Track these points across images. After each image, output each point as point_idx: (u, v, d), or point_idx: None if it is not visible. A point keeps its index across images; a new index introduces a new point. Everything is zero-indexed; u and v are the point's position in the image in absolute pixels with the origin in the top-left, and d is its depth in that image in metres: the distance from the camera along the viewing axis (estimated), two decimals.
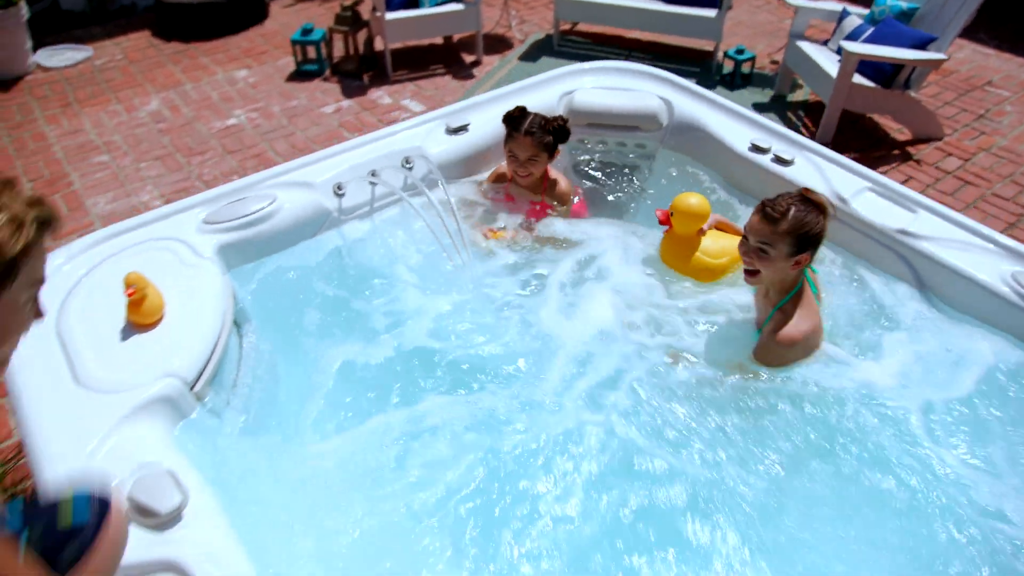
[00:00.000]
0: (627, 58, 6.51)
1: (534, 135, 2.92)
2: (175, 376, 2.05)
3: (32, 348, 2.10)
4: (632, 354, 2.48)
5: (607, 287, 2.71)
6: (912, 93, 5.38)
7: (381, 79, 6.24)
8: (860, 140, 5.54)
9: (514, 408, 2.31)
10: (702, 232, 2.79)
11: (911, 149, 5.50)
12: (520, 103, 3.22)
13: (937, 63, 5.13)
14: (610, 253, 2.85)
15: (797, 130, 5.65)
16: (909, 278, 2.69)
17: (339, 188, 2.85)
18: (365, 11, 6.44)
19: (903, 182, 5.10)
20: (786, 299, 2.39)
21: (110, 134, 5.59)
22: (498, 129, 3.13)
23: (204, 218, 2.61)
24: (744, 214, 3.11)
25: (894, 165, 5.29)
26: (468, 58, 6.57)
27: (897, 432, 2.27)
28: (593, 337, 2.54)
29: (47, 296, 2.19)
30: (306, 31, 6.19)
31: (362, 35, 6.38)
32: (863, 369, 2.43)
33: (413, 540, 1.94)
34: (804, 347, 2.38)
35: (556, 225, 2.97)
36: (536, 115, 2.97)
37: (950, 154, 5.47)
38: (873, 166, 5.20)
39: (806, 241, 2.28)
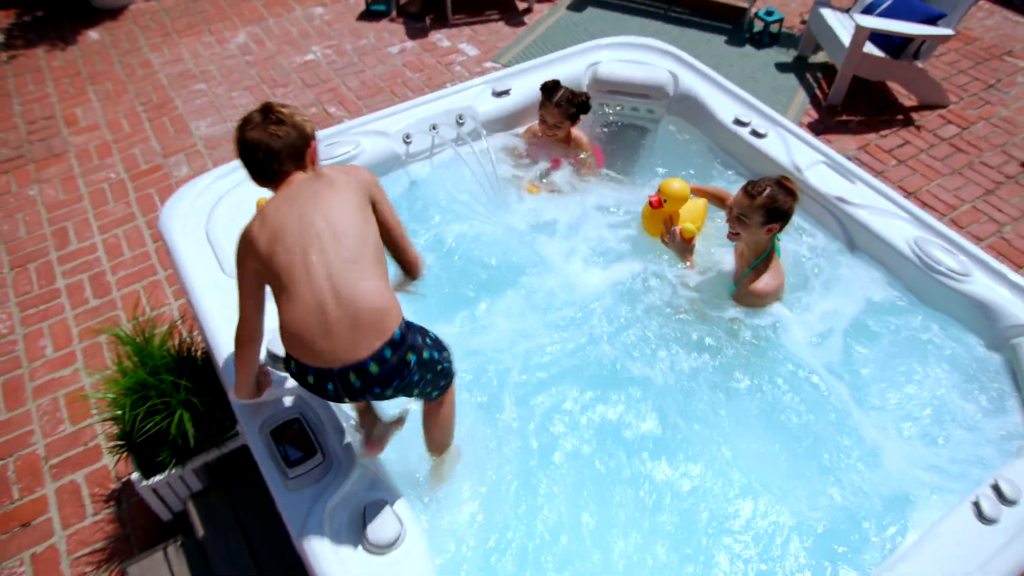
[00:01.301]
0: (665, 12, 7.08)
1: (561, 107, 3.71)
2: None
3: (192, 246, 3.03)
4: (625, 283, 3.36)
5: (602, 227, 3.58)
6: (920, 64, 5.90)
7: (441, 22, 6.94)
8: (869, 104, 6.10)
9: (518, 300, 3.25)
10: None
11: (915, 115, 6.05)
12: (554, 74, 3.98)
13: (943, 39, 5.64)
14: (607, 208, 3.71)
15: (812, 90, 6.24)
16: (842, 236, 3.45)
17: (407, 137, 3.70)
18: None
19: (900, 146, 5.72)
20: (758, 261, 3.16)
21: (205, 64, 6.45)
22: (534, 94, 3.92)
23: None
24: (727, 175, 3.87)
25: (895, 129, 5.87)
26: (521, 5, 7.20)
27: (818, 359, 3.10)
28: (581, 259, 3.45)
29: (198, 209, 3.13)
30: None
31: None
32: (794, 310, 3.23)
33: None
34: (773, 297, 3.18)
35: (574, 177, 3.83)
36: (566, 89, 3.74)
37: (951, 122, 6.01)
38: (876, 129, 5.85)
39: (776, 214, 3.02)
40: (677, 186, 3.39)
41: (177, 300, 4.45)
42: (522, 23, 6.96)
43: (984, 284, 3.08)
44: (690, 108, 4.06)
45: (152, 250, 4.76)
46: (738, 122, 3.82)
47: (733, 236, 3.19)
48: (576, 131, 3.92)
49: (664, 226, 3.39)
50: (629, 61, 4.17)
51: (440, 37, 6.76)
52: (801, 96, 6.17)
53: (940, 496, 2.67)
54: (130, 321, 4.26)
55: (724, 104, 3.94)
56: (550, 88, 3.73)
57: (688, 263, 3.36)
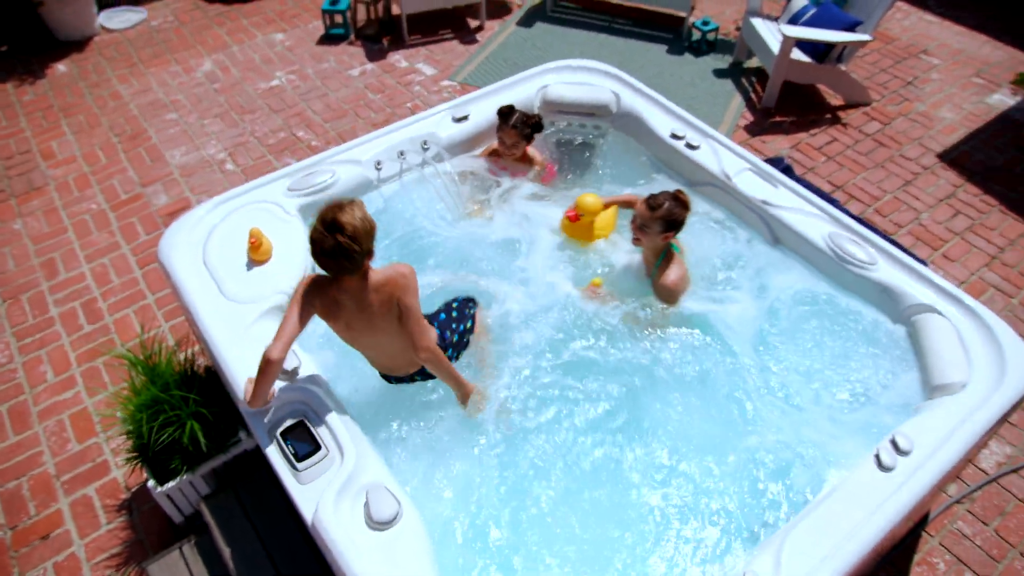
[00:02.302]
0: (609, 24, 7.53)
1: (517, 128, 4.14)
2: (283, 292, 3.35)
3: (192, 274, 3.39)
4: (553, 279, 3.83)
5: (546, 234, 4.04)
6: (843, 66, 6.43)
7: (398, 43, 7.31)
8: (799, 105, 6.62)
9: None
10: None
11: (841, 114, 6.58)
12: (507, 99, 4.40)
13: (861, 44, 6.18)
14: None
15: (747, 94, 6.74)
16: (767, 234, 3.92)
17: (378, 164, 4.09)
18: None
19: (828, 143, 6.24)
20: (660, 260, 3.65)
21: (174, 93, 6.74)
22: (491, 118, 4.33)
23: (288, 186, 3.86)
24: (666, 184, 4.32)
25: (823, 128, 6.40)
26: (473, 23, 7.60)
27: (747, 342, 3.57)
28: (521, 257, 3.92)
29: (194, 238, 3.48)
30: (334, 1, 7.22)
31: (382, 4, 7.41)
32: (726, 299, 3.70)
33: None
34: (681, 286, 3.65)
35: (526, 188, 4.26)
36: (521, 112, 4.17)
37: (874, 119, 6.55)
38: (806, 128, 6.36)
39: (672, 224, 3.52)
40: (590, 201, 3.88)
41: (168, 321, 4.77)
42: (475, 40, 7.36)
43: (887, 271, 3.57)
44: (632, 124, 4.51)
45: (139, 276, 5.07)
46: (674, 136, 4.28)
47: (636, 242, 3.69)
48: (531, 149, 4.34)
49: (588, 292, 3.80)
50: (575, 83, 4.61)
51: (398, 58, 7.13)
52: (738, 100, 6.66)
53: (852, 449, 3.14)
54: (125, 344, 4.58)
55: (661, 120, 4.39)
56: (506, 112, 4.15)
57: (610, 298, 3.77)
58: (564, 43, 7.25)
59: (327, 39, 7.39)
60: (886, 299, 3.54)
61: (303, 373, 3.05)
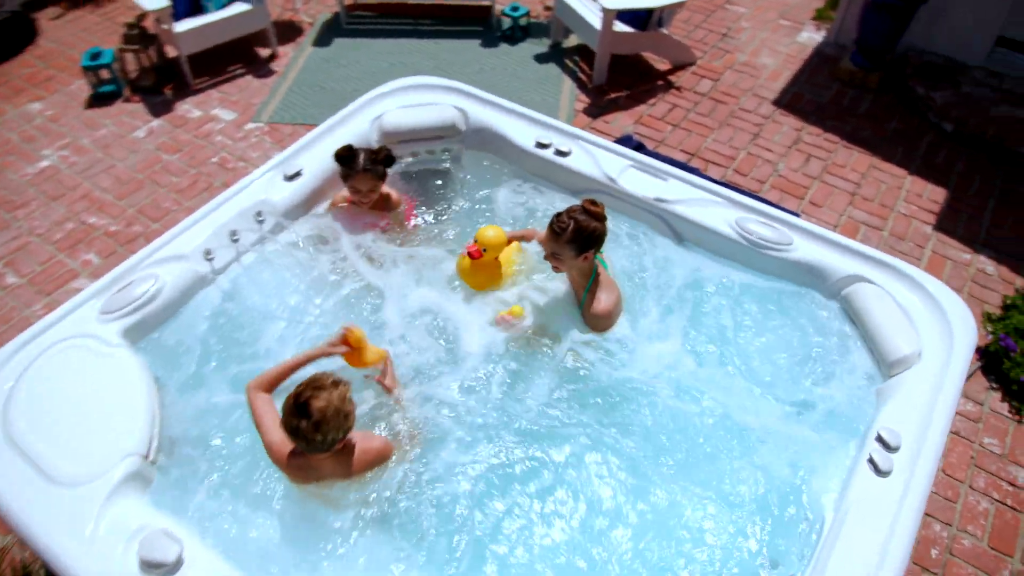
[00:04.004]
0: (415, 27, 6.97)
1: (369, 170, 3.49)
2: (132, 454, 2.57)
3: None
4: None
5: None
6: (665, 30, 6.26)
7: (183, 90, 6.35)
8: (629, 77, 6.39)
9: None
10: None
11: (672, 77, 6.43)
12: (338, 140, 3.75)
13: (680, 5, 6.01)
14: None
15: (575, 75, 6.43)
16: (669, 233, 3.56)
17: (208, 253, 3.31)
18: (151, 23, 6.44)
19: (669, 111, 6.05)
20: (589, 283, 3.18)
21: None
22: (329, 167, 3.66)
23: (101, 308, 3.01)
24: (544, 198, 3.86)
25: (660, 96, 6.21)
26: (263, 52, 6.76)
27: (683, 359, 3.19)
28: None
29: None
30: (94, 56, 6.15)
31: (153, 49, 6.41)
32: (648, 314, 3.30)
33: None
34: (615, 313, 3.20)
35: (393, 236, 3.64)
36: (364, 151, 3.52)
37: (704, 77, 6.45)
38: (644, 100, 6.13)
39: (587, 242, 3.03)
40: (492, 234, 3.30)
41: None
42: (271, 72, 6.55)
43: (806, 248, 3.32)
44: (488, 139, 4.00)
45: None
46: (540, 145, 3.82)
47: (556, 270, 3.23)
48: (385, 189, 3.73)
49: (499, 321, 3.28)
50: (413, 106, 4.03)
51: (188, 107, 6.19)
52: (568, 83, 6.34)
53: (832, 453, 2.85)
54: None
55: (520, 129, 3.92)
56: (347, 155, 3.50)
57: (530, 331, 3.28)
58: (371, 55, 6.61)
59: (97, 100, 6.29)
60: (812, 277, 3.28)
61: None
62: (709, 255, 3.48)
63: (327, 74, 6.42)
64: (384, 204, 3.73)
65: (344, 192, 3.69)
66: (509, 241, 3.43)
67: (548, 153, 3.78)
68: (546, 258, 3.16)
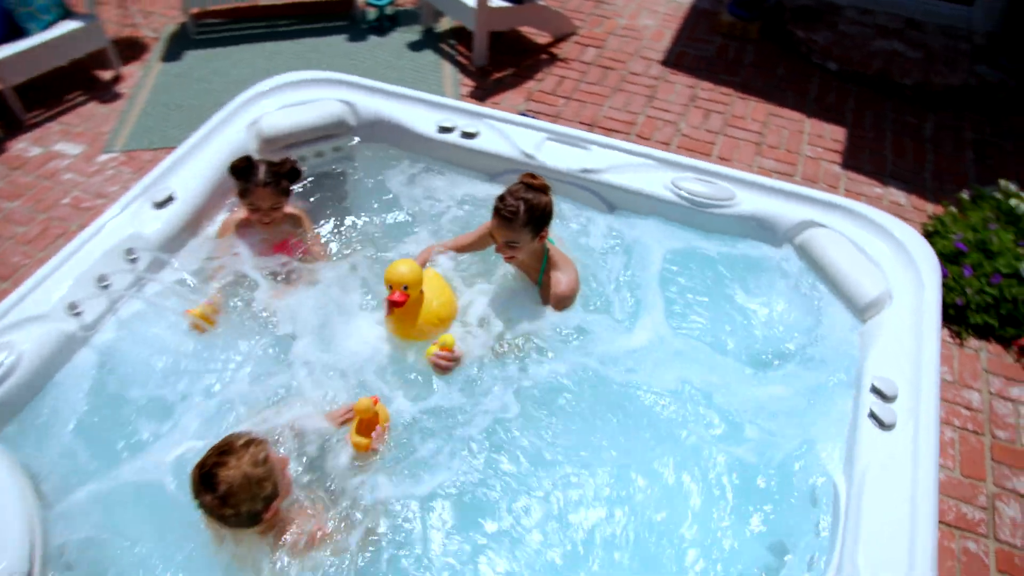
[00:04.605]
0: (272, 29, 6.40)
1: (271, 184, 3.00)
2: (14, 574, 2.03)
3: None
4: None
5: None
6: (541, 2, 5.96)
7: (16, 127, 5.54)
8: (511, 54, 6.07)
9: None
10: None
11: (555, 50, 6.16)
12: (212, 152, 3.24)
13: None
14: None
15: (454, 59, 6.06)
16: (601, 205, 3.25)
17: (73, 308, 2.73)
18: None
19: (559, 84, 5.77)
20: (544, 264, 2.87)
21: None
22: (209, 185, 3.15)
23: None
24: (462, 186, 3.46)
25: (546, 70, 5.92)
26: (105, 75, 6.02)
27: (644, 334, 2.88)
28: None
29: None
30: None
31: None
32: (599, 296, 2.98)
33: None
34: (577, 288, 2.90)
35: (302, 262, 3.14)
36: (264, 163, 3.03)
37: (587, 45, 6.22)
38: (531, 76, 5.83)
39: (541, 220, 2.72)
40: (406, 269, 2.75)
41: None
42: (117, 95, 5.83)
43: (750, 200, 3.10)
44: (383, 131, 3.58)
45: None
46: (443, 129, 3.43)
47: (510, 260, 2.89)
48: (289, 207, 3.24)
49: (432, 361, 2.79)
50: (294, 105, 3.55)
51: (25, 145, 5.40)
52: (448, 69, 5.96)
53: (827, 415, 2.62)
54: None
55: (419, 115, 3.51)
56: (244, 167, 3.00)
57: (494, 344, 2.89)
58: (230, 65, 6.01)
59: None
60: (762, 230, 3.06)
61: None
62: (649, 222, 3.21)
63: (183, 91, 5.78)
64: (289, 223, 3.23)
65: (239, 213, 3.18)
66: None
67: (454, 137, 3.40)
68: (499, 250, 2.81)
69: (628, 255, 3.14)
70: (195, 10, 6.44)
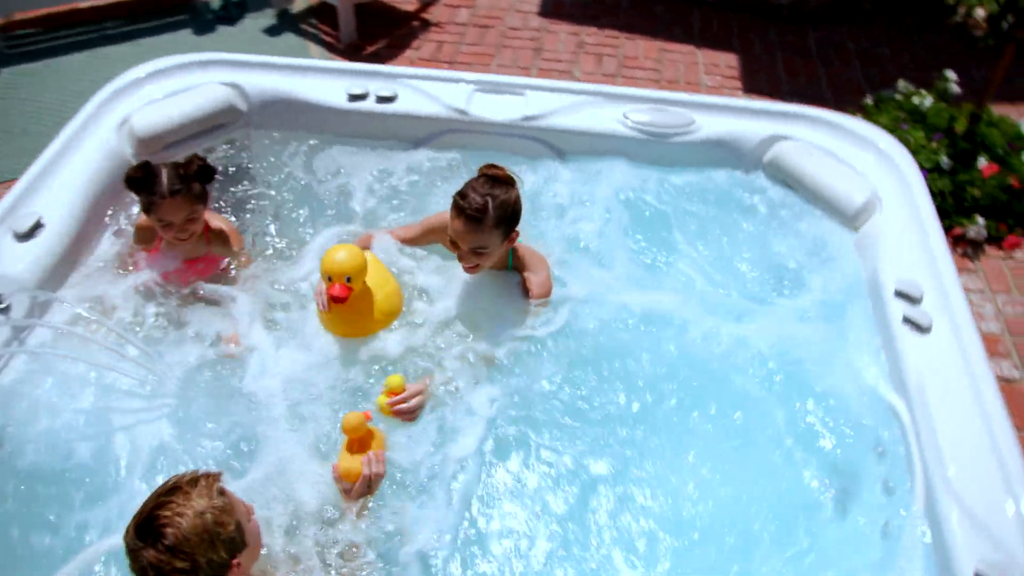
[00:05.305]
0: (101, 33, 5.61)
1: (182, 192, 2.43)
2: None
3: None
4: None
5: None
6: None
7: None
8: (381, 26, 5.61)
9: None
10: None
11: (425, 15, 5.75)
12: (78, 161, 2.66)
13: None
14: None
15: (319, 39, 5.52)
16: (550, 153, 2.93)
17: None
18: None
19: (438, 50, 5.38)
20: (510, 262, 2.47)
21: None
22: (82, 199, 2.58)
23: None
24: (374, 165, 3.02)
25: (423, 37, 5.51)
26: None
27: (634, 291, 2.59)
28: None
29: None
30: None
31: None
32: (571, 263, 2.64)
33: None
34: (551, 288, 2.48)
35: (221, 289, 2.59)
36: (168, 167, 2.46)
37: (457, 6, 5.85)
38: (406, 46, 5.42)
39: (513, 219, 2.30)
40: (344, 255, 2.24)
41: None
42: None
43: (710, 124, 2.87)
44: (282, 111, 3.08)
45: None
46: (354, 97, 2.97)
47: (473, 270, 2.39)
48: (210, 216, 2.69)
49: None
50: (168, 97, 2.98)
51: None
52: (315, 50, 5.44)
53: (844, 324, 2.44)
54: None
55: (323, 86, 3.04)
56: (142, 177, 2.42)
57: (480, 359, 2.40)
58: (61, 79, 5.19)
59: None
60: (728, 153, 2.84)
61: None
62: (606, 162, 2.90)
63: (6, 115, 4.93)
64: (215, 239, 2.68)
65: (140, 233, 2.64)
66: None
67: (368, 104, 2.96)
68: (462, 257, 2.34)
69: (589, 204, 2.83)
70: (0, 20, 5.54)
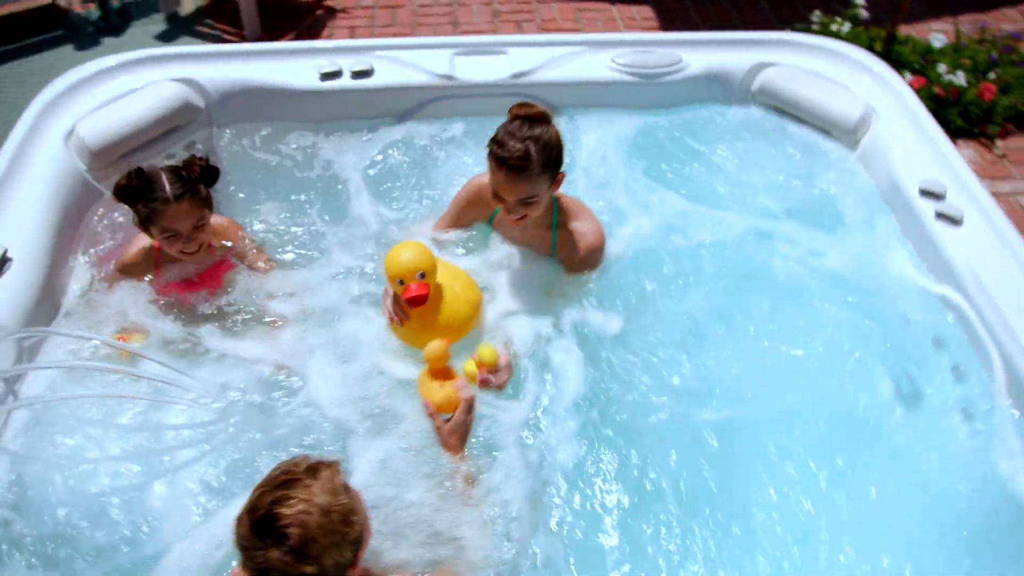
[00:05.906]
0: None
1: (187, 195, 2.14)
2: None
3: None
4: None
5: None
6: None
7: None
8: (284, 18, 5.32)
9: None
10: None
11: (328, 3, 5.49)
12: (24, 182, 2.35)
13: None
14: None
15: (220, 39, 5.17)
16: (548, 108, 2.81)
17: None
18: None
19: (352, 35, 5.13)
20: (555, 215, 2.30)
21: None
22: (45, 224, 2.27)
23: None
24: (360, 149, 2.82)
25: (331, 24, 5.26)
26: None
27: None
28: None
29: None
30: None
31: None
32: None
33: None
34: (603, 233, 2.35)
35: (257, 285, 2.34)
36: (167, 171, 2.16)
37: None
38: (315, 34, 5.16)
39: (558, 159, 2.14)
40: (411, 254, 2.00)
41: None
42: None
43: (697, 60, 2.86)
44: (247, 103, 2.83)
45: None
46: (327, 76, 2.76)
47: (521, 220, 2.21)
48: (217, 217, 2.40)
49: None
50: (118, 99, 2.67)
51: None
52: None
53: (872, 236, 2.48)
54: None
55: (289, 69, 2.81)
56: (139, 184, 2.12)
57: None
58: None
59: None
60: (718, 86, 2.83)
61: None
62: (601, 112, 2.83)
63: None
64: (217, 237, 2.39)
65: (138, 244, 2.34)
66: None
67: (344, 82, 2.76)
68: (509, 209, 2.15)
69: (590, 154, 2.75)
70: None
